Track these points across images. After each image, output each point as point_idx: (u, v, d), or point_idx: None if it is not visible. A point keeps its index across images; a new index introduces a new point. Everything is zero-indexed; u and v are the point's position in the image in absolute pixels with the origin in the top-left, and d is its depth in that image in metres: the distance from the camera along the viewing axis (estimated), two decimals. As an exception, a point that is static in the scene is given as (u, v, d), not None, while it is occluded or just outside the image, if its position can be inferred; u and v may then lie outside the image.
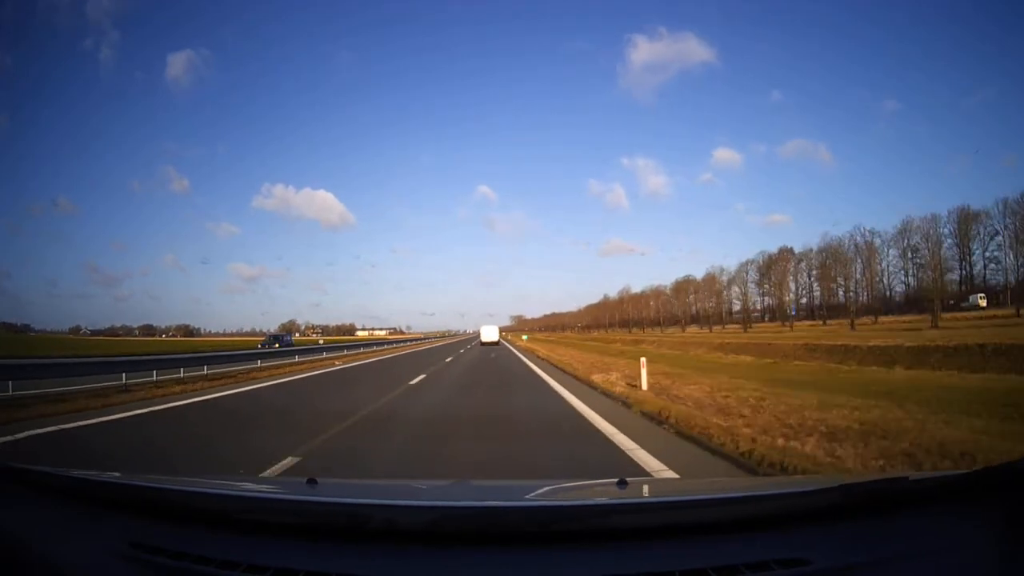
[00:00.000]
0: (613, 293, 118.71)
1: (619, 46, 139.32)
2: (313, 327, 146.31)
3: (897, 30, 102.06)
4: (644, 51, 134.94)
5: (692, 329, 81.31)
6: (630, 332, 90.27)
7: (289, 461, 4.97)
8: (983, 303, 53.43)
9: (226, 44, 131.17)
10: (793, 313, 69.40)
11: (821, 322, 63.00)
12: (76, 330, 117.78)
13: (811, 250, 70.32)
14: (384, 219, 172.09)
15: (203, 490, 1.52)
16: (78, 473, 1.54)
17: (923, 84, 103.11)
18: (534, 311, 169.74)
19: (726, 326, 74.30)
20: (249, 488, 1.74)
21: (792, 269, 73.68)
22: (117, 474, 1.74)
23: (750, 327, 67.20)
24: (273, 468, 4.75)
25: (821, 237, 76.11)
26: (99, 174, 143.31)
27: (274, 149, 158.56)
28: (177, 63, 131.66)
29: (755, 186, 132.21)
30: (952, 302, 53.63)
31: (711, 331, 68.22)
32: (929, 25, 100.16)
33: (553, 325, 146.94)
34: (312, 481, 1.68)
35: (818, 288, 70.93)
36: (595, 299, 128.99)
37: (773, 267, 75.26)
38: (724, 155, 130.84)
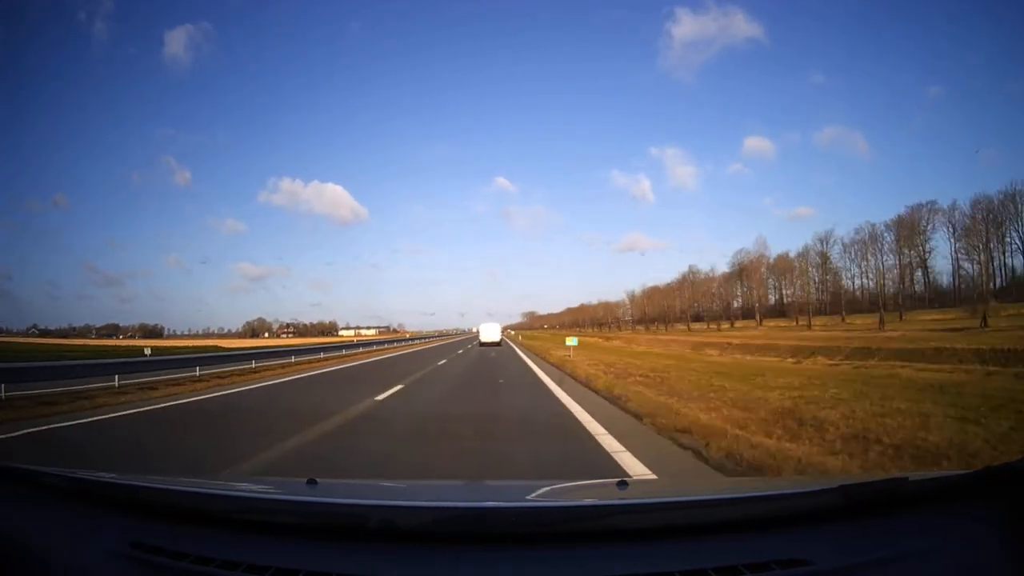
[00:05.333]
0: (635, 287, 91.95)
1: (658, 19, 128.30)
2: (285, 326, 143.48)
3: (948, 9, 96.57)
4: (686, 25, 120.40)
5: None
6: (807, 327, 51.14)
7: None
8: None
9: (229, 24, 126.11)
10: None
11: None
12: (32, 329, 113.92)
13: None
14: (396, 214, 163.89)
15: (203, 490, 1.58)
16: (78, 473, 1.60)
17: (969, 69, 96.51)
18: (547, 308, 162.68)
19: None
20: (249, 488, 1.79)
21: None
22: (116, 474, 1.77)
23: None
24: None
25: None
26: (88, 164, 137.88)
27: (281, 140, 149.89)
28: (176, 41, 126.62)
29: (785, 177, 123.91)
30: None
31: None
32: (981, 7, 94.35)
33: (579, 321, 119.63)
34: (312, 481, 1.74)
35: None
36: (605, 296, 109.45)
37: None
38: (756, 144, 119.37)
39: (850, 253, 56.35)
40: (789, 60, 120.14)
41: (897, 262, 54.89)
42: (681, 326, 74.62)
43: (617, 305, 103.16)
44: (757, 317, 60.58)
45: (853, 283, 57.16)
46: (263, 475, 4.58)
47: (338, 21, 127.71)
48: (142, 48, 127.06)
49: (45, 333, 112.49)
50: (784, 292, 63.04)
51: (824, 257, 57.42)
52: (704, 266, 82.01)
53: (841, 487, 1.35)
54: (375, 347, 40.99)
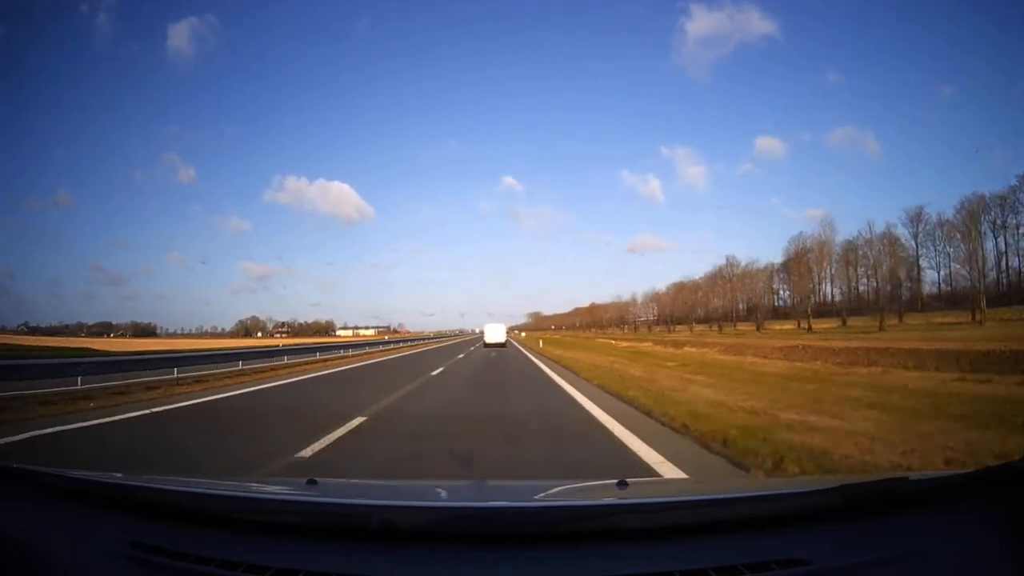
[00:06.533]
0: (646, 286, 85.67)
1: (672, 15, 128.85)
2: (280, 325, 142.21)
3: (956, 10, 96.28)
4: (700, 21, 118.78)
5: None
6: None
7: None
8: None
9: (235, 21, 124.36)
10: None
11: None
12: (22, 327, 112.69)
13: None
14: (402, 213, 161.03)
15: (203, 490, 1.59)
16: (78, 473, 1.61)
17: (981, 70, 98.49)
18: (552, 308, 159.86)
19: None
20: (249, 488, 1.81)
21: None
22: (117, 474, 1.79)
23: None
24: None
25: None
26: (91, 162, 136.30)
27: (287, 139, 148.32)
28: (180, 36, 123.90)
29: (795, 178, 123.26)
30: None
31: None
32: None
33: (597, 321, 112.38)
34: (312, 481, 1.75)
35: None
36: (612, 297, 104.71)
37: None
38: (767, 144, 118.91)
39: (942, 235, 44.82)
40: (803, 59, 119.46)
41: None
42: (710, 326, 63.51)
43: (634, 304, 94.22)
44: (882, 318, 46.51)
45: (938, 273, 46.68)
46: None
47: (345, 19, 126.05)
48: (146, 44, 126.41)
49: (35, 330, 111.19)
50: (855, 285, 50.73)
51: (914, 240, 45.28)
52: (703, 269, 77.02)
53: (841, 487, 1.37)
54: (351, 351, 36.39)
